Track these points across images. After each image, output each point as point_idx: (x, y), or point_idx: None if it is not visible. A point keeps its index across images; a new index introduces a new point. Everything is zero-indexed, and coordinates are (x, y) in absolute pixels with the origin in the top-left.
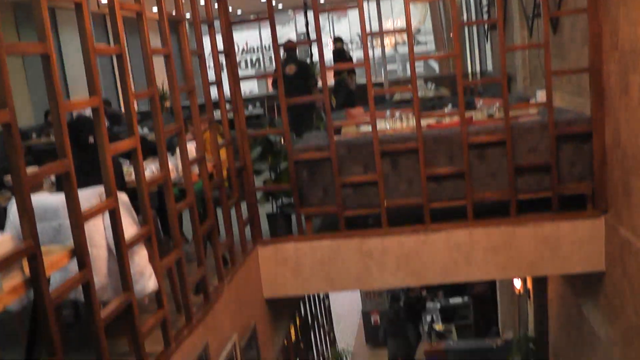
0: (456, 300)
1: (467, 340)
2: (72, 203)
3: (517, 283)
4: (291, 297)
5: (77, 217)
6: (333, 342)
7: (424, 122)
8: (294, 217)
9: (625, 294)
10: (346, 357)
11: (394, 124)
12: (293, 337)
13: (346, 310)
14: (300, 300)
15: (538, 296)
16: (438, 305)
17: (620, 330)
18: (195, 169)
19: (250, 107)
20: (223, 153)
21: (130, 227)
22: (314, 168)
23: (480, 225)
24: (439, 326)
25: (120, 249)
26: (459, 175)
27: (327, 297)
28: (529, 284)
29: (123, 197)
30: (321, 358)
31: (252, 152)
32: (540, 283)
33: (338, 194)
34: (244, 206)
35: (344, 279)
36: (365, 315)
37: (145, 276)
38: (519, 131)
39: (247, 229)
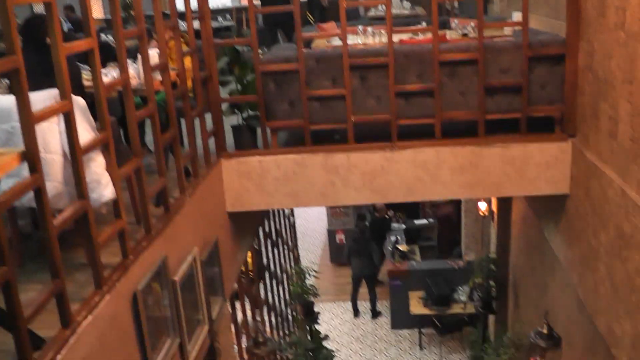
0: (421, 221)
1: (430, 261)
2: (22, 103)
3: (482, 205)
4: (255, 212)
5: (28, 119)
6: (297, 259)
7: (395, 38)
8: (259, 131)
9: (586, 216)
10: (309, 274)
11: (366, 39)
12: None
13: (312, 229)
14: (265, 217)
15: (502, 218)
16: (403, 226)
17: (579, 252)
18: (158, 77)
19: (220, 19)
20: (188, 62)
21: (86, 133)
22: (282, 80)
23: (448, 144)
24: (403, 247)
25: (74, 155)
26: (428, 93)
27: (292, 214)
28: (494, 206)
29: (79, 101)
30: (284, 274)
31: (218, 62)
32: (505, 205)
33: (305, 108)
34: (208, 118)
35: (308, 194)
36: (331, 234)
37: (102, 184)
38: (492, 51)
39: (212, 142)
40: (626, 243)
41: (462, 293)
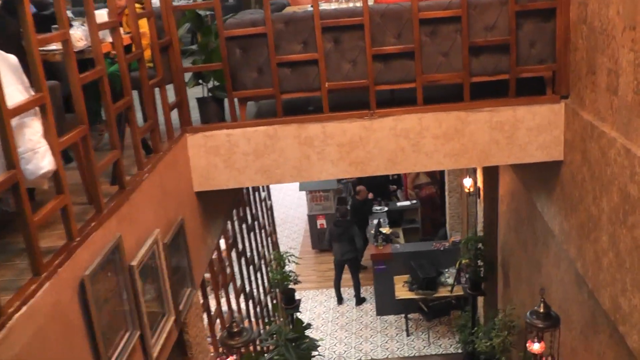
0: (404, 203)
1: (414, 243)
2: None
3: (467, 182)
4: (227, 193)
5: None
6: (276, 245)
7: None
8: (227, 103)
9: (584, 183)
10: (289, 260)
11: (340, 5)
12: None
13: (292, 215)
14: (239, 199)
15: (488, 194)
16: (385, 209)
17: (577, 223)
18: (109, 38)
19: None
20: (144, 25)
21: (18, 94)
22: (248, 46)
23: (431, 110)
24: (386, 229)
25: (1, 118)
26: (408, 55)
27: (269, 197)
28: (480, 182)
29: (9, 59)
30: (262, 260)
31: (179, 29)
32: (491, 180)
33: (274, 75)
34: (171, 90)
35: (281, 169)
36: (312, 220)
37: (39, 154)
38: (476, 6)
39: (175, 115)
40: (632, 207)
41: (448, 275)
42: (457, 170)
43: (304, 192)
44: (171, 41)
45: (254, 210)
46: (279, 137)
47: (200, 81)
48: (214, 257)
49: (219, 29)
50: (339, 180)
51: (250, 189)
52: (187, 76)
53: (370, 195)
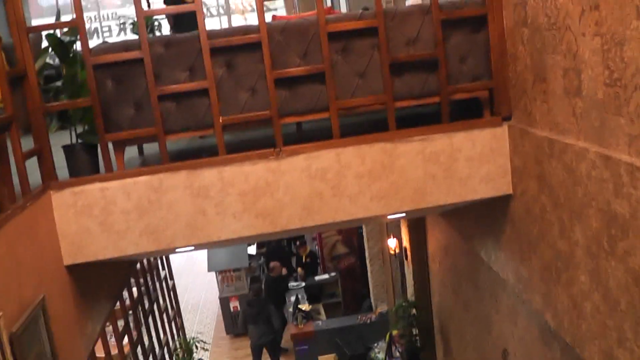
0: (322, 276)
1: (337, 319)
2: None
3: (392, 242)
4: (114, 268)
5: None
6: (181, 330)
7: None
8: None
9: (545, 214)
10: (196, 347)
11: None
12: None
13: (204, 298)
14: (131, 275)
15: (417, 254)
16: (302, 284)
17: (539, 266)
18: None
19: None
20: None
21: None
22: (123, 76)
23: (350, 143)
24: (305, 306)
25: None
26: (317, 78)
27: (170, 275)
28: (406, 242)
29: None
30: (165, 349)
31: (39, 59)
32: (418, 238)
33: (155, 111)
34: (26, 141)
35: (171, 230)
36: (224, 302)
37: None
38: (394, 16)
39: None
40: (623, 230)
41: (379, 350)
42: (377, 233)
43: (214, 274)
44: (25, 72)
45: (151, 291)
46: (166, 189)
47: (68, 125)
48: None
49: (84, 55)
50: (250, 256)
51: (146, 264)
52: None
53: (285, 271)
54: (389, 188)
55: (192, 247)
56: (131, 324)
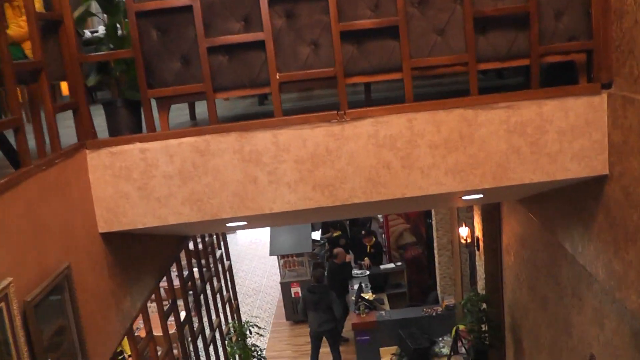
0: (387, 266)
1: (401, 310)
2: None
3: (463, 231)
4: (158, 237)
5: None
6: (236, 312)
7: None
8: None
9: None
10: (250, 331)
11: None
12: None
13: (265, 284)
14: (180, 253)
15: (489, 246)
16: (367, 273)
17: (638, 259)
18: None
19: None
20: None
21: None
22: (169, 25)
23: (426, 108)
24: (368, 295)
25: None
26: (389, 32)
27: (227, 255)
28: (478, 231)
29: None
30: (216, 331)
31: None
32: (492, 228)
33: (205, 65)
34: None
35: (217, 199)
36: (285, 287)
37: None
38: None
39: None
40: None
41: (443, 345)
42: (446, 223)
43: (276, 259)
44: (61, 17)
45: (204, 271)
46: (213, 153)
47: (108, 77)
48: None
49: (127, 1)
50: (314, 242)
51: (200, 241)
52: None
53: (349, 258)
54: (467, 161)
55: (244, 222)
56: (179, 303)
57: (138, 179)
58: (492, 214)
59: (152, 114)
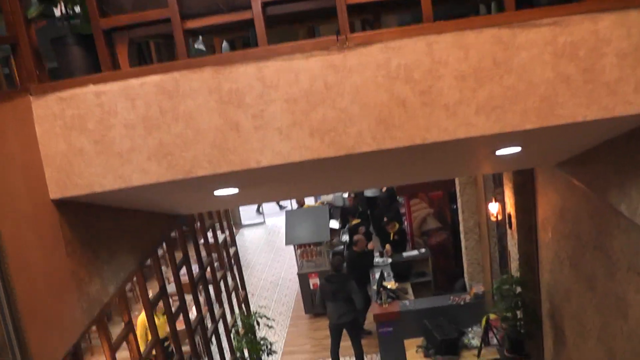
0: (411, 253)
1: (427, 299)
2: None
3: (493, 207)
4: (129, 212)
5: None
6: (244, 303)
7: None
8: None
9: None
10: (258, 323)
11: None
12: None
13: (283, 277)
14: (171, 233)
15: (524, 223)
16: (389, 261)
17: None
18: None
19: None
20: None
21: None
22: None
23: (449, 28)
24: (391, 284)
25: None
26: None
27: (232, 240)
28: (510, 206)
29: None
30: (219, 323)
31: None
32: (526, 202)
33: None
34: None
35: (191, 152)
36: (303, 279)
37: None
38: None
39: None
40: None
41: (473, 336)
42: (473, 205)
43: (294, 250)
44: None
45: (204, 255)
46: (184, 94)
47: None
48: None
49: None
50: (332, 231)
51: (206, 219)
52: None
53: (371, 246)
54: (504, 95)
55: (234, 189)
56: (169, 291)
57: (94, 130)
58: (525, 187)
59: (108, 50)
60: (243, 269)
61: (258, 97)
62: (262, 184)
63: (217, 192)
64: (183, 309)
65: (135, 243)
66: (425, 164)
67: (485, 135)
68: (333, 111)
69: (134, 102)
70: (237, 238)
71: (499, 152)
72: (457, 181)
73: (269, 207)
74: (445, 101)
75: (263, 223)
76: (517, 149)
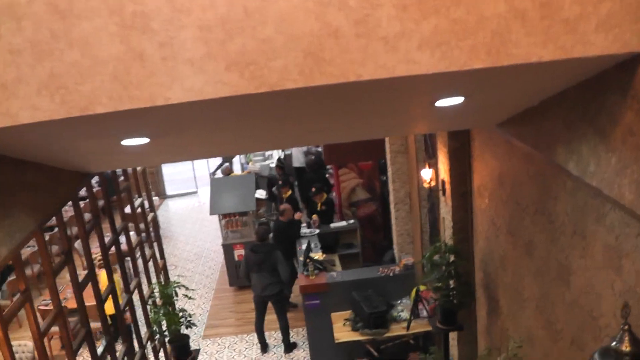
0: (339, 224)
1: (355, 270)
2: None
3: (426, 173)
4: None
5: None
6: (163, 272)
7: None
8: None
9: None
10: (176, 293)
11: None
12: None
13: (207, 248)
14: (78, 192)
15: (458, 189)
16: (316, 232)
17: None
18: None
19: None
20: None
21: None
22: None
23: None
24: (318, 255)
25: None
26: None
27: (151, 204)
28: (444, 172)
29: None
30: (133, 294)
31: None
32: (462, 166)
33: None
34: None
35: (88, 84)
36: (228, 250)
37: None
38: None
39: None
40: None
41: (402, 308)
42: (404, 174)
43: (219, 220)
44: None
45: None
46: (80, 15)
47: None
48: None
49: None
50: (258, 200)
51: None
52: None
53: (298, 216)
54: (451, 29)
55: (144, 138)
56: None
57: None
58: (460, 151)
59: None
60: (166, 241)
61: (167, 22)
62: (179, 132)
63: (125, 142)
64: (92, 278)
65: (37, 201)
66: (359, 117)
67: (428, 74)
68: (254, 41)
69: (19, 23)
70: (161, 209)
71: (439, 103)
72: (387, 149)
73: (205, 176)
74: (385, 33)
75: (195, 193)
76: (460, 100)
